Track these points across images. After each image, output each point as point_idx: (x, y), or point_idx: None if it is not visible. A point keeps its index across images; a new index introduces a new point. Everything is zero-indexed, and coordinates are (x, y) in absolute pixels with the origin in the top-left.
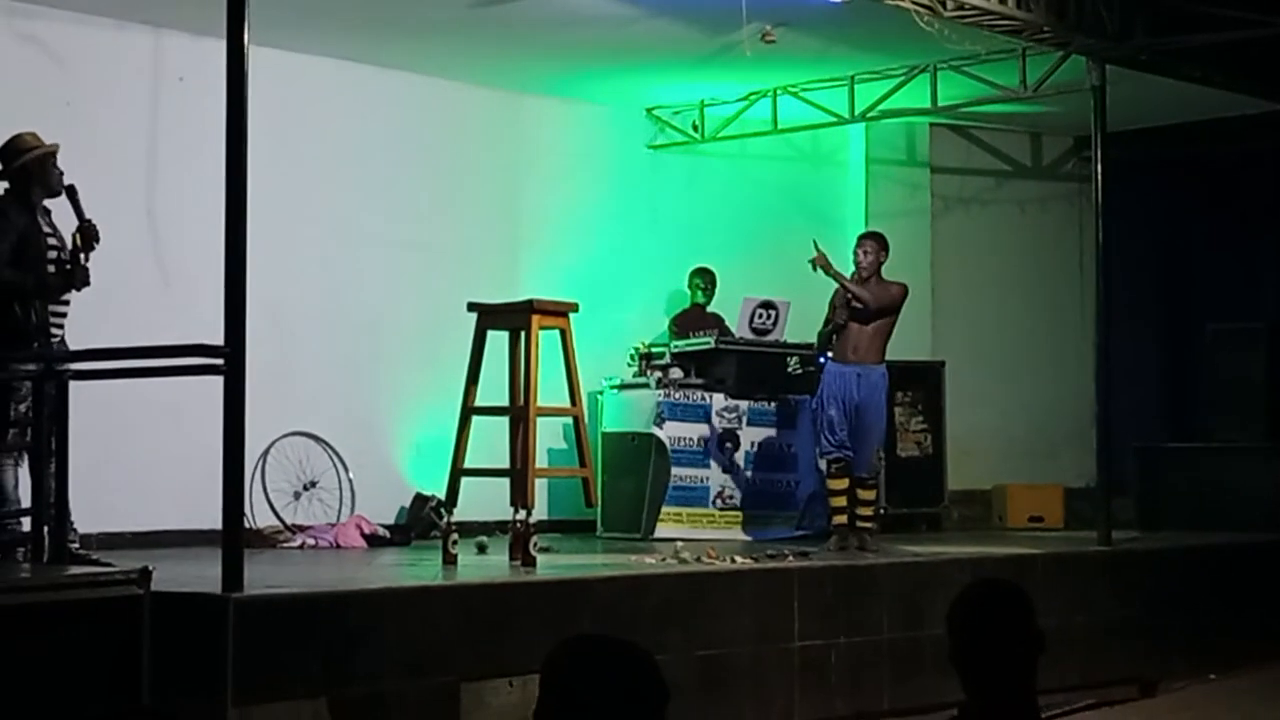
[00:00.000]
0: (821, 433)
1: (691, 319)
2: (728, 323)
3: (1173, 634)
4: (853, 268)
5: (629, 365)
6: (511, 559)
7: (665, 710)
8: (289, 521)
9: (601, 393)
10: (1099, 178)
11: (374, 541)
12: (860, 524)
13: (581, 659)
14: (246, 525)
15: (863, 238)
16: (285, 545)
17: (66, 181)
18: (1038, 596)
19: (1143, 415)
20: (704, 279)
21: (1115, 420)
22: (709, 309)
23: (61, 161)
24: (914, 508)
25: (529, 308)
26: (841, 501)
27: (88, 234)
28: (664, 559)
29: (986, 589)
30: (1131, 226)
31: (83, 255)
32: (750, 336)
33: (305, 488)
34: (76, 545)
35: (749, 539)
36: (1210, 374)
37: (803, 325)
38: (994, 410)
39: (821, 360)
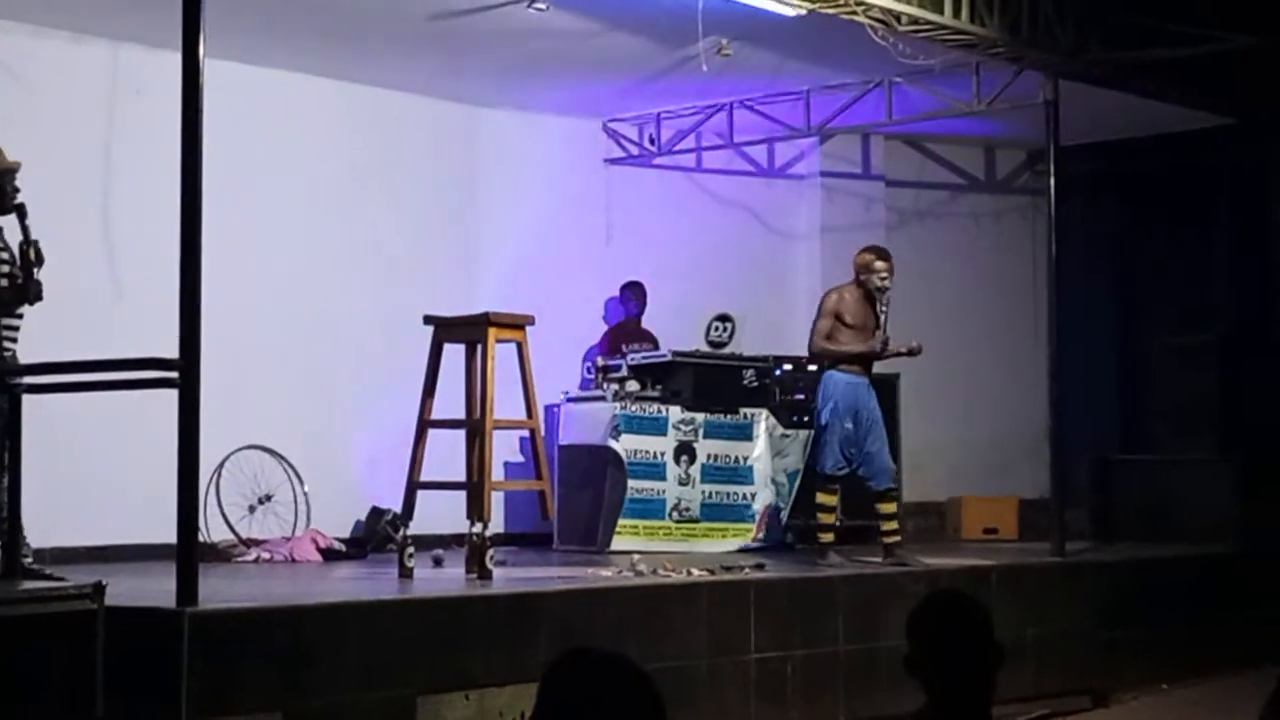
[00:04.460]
0: (831, 445)
1: (627, 332)
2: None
3: (1125, 645)
4: (864, 281)
5: (588, 376)
6: (468, 572)
7: None
8: (244, 535)
9: (558, 405)
10: (1052, 192)
11: (329, 555)
12: (886, 539)
13: (583, 672)
14: (201, 539)
15: (887, 254)
16: (240, 559)
17: (20, 199)
18: (992, 608)
19: (1096, 427)
20: (635, 292)
21: (1069, 432)
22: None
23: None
24: (869, 519)
25: (485, 321)
26: (831, 518)
27: (37, 250)
28: (621, 572)
29: (949, 598)
30: (1085, 240)
31: (35, 269)
32: (706, 349)
33: (260, 501)
34: (30, 560)
35: (705, 551)
36: (1163, 386)
37: (758, 338)
38: (948, 423)
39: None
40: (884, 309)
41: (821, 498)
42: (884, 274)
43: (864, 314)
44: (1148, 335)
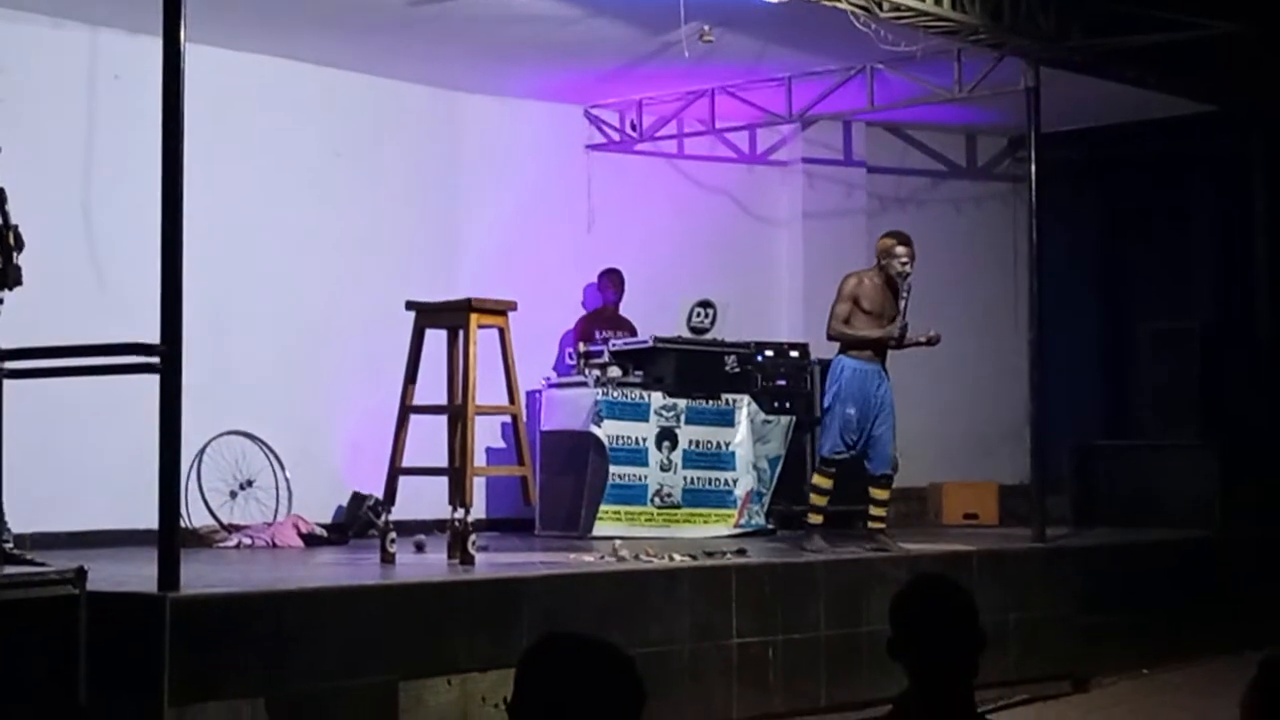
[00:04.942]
0: (831, 429)
1: (602, 319)
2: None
3: (1106, 629)
4: (885, 266)
5: (569, 362)
6: (450, 558)
7: (641, 712)
8: (225, 521)
9: (540, 391)
10: (1033, 178)
11: (311, 541)
12: (871, 524)
13: (562, 657)
14: (182, 525)
15: (908, 239)
16: (221, 545)
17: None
18: (973, 593)
19: (1078, 414)
20: (612, 279)
21: (1050, 418)
22: (619, 311)
23: None
24: (850, 505)
25: (467, 306)
26: (823, 500)
27: (16, 235)
28: (602, 557)
29: (933, 582)
30: (1066, 226)
31: (15, 253)
32: (688, 335)
33: (241, 487)
34: (10, 545)
35: (687, 537)
36: (1144, 373)
37: (740, 324)
38: (930, 409)
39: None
40: (905, 296)
41: (816, 479)
42: (905, 259)
43: (882, 300)
44: (1129, 322)
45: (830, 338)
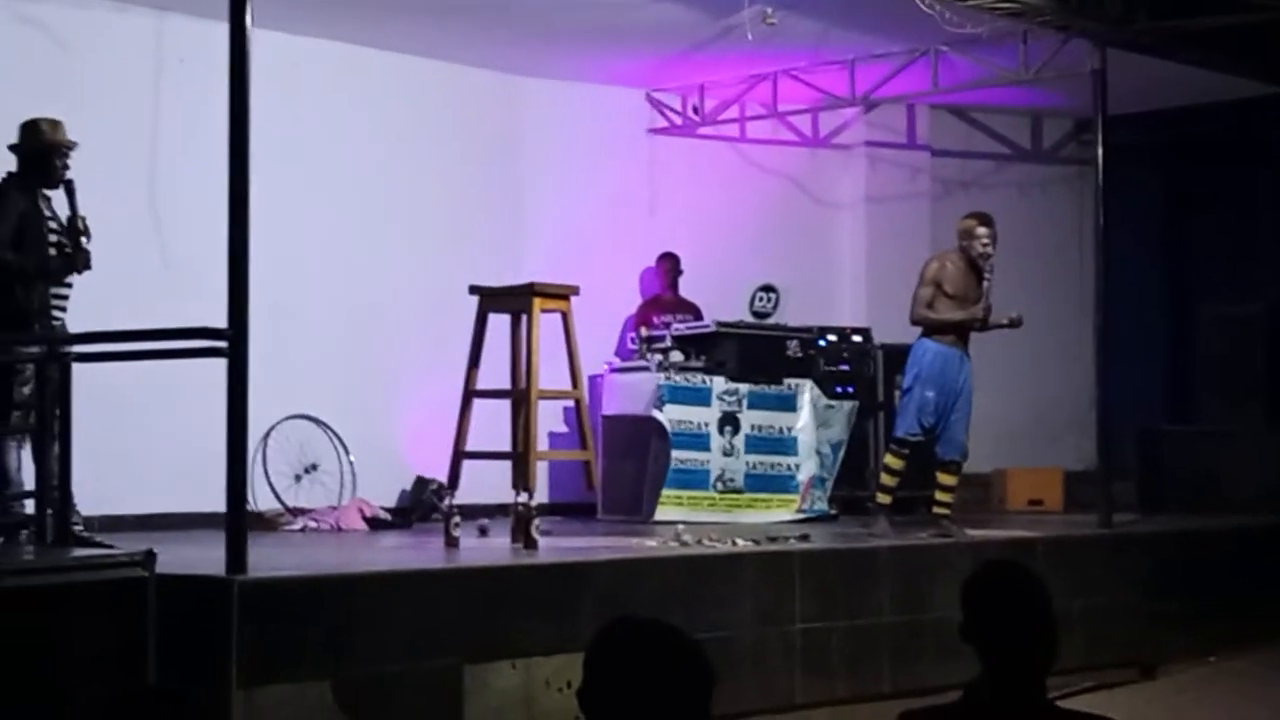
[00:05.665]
0: (908, 410)
1: (660, 305)
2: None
3: (1172, 616)
4: (966, 248)
5: (631, 347)
6: (513, 542)
7: (711, 694)
8: (290, 504)
9: (602, 375)
10: (1100, 161)
11: (375, 525)
12: (937, 509)
13: (630, 642)
14: (248, 508)
15: (990, 220)
16: (286, 528)
17: (69, 176)
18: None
19: (1143, 398)
20: (668, 263)
21: (1115, 403)
22: (679, 294)
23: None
24: (914, 491)
25: (530, 291)
26: (893, 481)
27: (85, 224)
28: (665, 542)
29: (1007, 567)
30: (1131, 209)
31: (84, 238)
32: (750, 320)
33: (306, 470)
34: (80, 528)
35: (749, 522)
36: (1209, 357)
37: (803, 309)
38: (993, 393)
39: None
40: (988, 277)
41: (889, 460)
42: (986, 240)
43: (965, 283)
44: (1194, 305)
45: (914, 322)
